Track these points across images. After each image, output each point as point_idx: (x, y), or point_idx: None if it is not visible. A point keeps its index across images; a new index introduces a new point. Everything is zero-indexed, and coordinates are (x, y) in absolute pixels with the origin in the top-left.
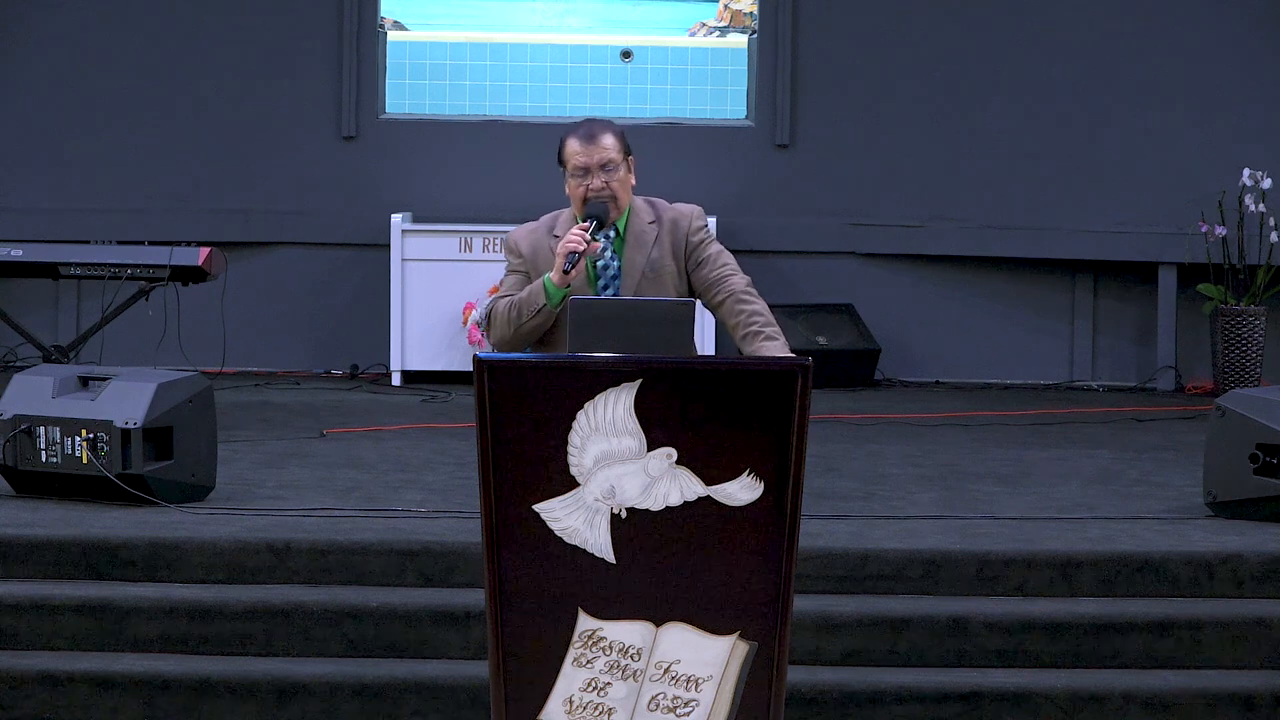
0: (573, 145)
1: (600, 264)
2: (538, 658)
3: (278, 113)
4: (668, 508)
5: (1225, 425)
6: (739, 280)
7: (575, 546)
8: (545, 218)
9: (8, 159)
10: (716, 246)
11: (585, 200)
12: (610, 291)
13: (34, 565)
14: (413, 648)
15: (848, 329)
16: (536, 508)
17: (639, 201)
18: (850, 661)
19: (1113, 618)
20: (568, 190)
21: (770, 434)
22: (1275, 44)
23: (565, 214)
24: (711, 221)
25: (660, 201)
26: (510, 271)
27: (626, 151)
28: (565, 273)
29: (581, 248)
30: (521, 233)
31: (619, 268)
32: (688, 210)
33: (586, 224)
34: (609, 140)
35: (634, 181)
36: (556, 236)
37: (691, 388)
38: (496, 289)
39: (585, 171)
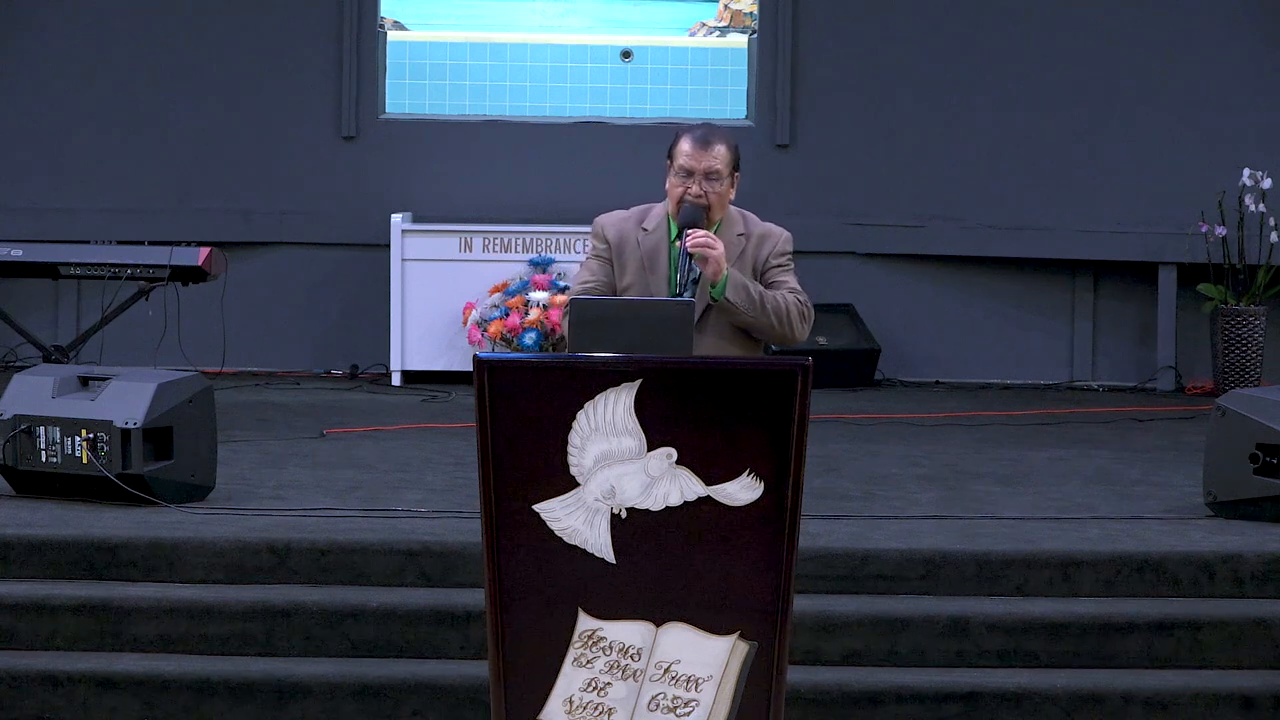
0: (685, 145)
1: (683, 261)
2: (538, 658)
3: (278, 113)
4: (668, 508)
5: (1225, 425)
6: (790, 285)
7: (575, 546)
8: (636, 209)
9: (8, 159)
10: (792, 274)
11: (680, 201)
12: (687, 293)
13: (34, 565)
14: (413, 648)
15: (848, 329)
16: (536, 508)
17: (733, 211)
18: (850, 661)
19: (1113, 618)
20: (668, 186)
21: (770, 434)
22: (1275, 44)
23: (658, 209)
24: None
25: (752, 217)
26: (593, 256)
27: (735, 167)
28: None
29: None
30: (611, 220)
31: (701, 274)
32: (778, 231)
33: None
34: (720, 150)
35: (733, 196)
36: (645, 230)
37: (691, 388)
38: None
39: (689, 174)
